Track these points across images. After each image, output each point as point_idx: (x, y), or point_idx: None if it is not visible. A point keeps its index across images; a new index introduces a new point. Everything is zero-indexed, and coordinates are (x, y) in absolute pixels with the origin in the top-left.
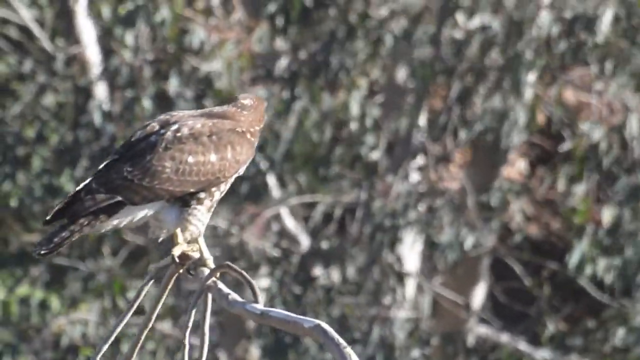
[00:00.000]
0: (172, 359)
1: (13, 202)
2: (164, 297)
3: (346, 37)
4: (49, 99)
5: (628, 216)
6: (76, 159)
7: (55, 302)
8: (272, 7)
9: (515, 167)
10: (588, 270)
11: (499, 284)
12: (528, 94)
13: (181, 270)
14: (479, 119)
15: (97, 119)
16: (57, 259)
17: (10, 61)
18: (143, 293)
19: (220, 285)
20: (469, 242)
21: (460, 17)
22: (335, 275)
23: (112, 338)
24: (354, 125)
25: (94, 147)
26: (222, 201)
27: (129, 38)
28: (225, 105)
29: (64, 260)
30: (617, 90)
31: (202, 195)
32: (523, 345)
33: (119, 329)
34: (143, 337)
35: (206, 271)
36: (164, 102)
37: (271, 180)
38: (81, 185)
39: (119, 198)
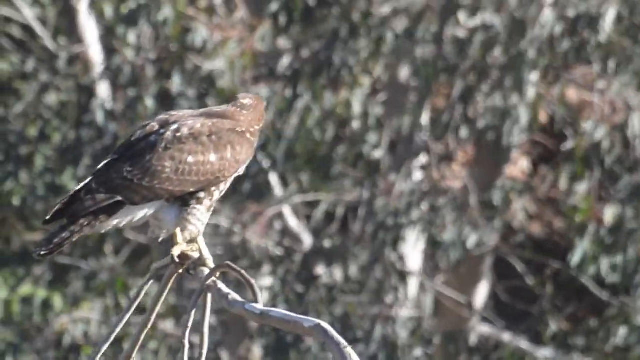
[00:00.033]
0: (174, 358)
1: (15, 201)
2: (164, 296)
3: (349, 36)
4: (51, 98)
5: (630, 215)
6: (79, 157)
7: (57, 301)
8: (274, 6)
9: (518, 166)
10: (590, 268)
11: (502, 283)
12: (530, 92)
13: (180, 270)
14: (481, 117)
15: (99, 117)
16: (60, 258)
17: (13, 60)
18: (143, 292)
19: (220, 285)
20: (471, 240)
21: (462, 15)
22: (337, 274)
23: (112, 338)
24: (356, 124)
25: (97, 146)
26: (224, 200)
27: (132, 37)
28: (225, 105)
29: (66, 259)
30: (620, 89)
31: (201, 194)
32: (525, 344)
33: (118, 329)
34: (142, 337)
35: (206, 271)
36: (166, 101)
37: (273, 178)
38: (81, 185)
39: (119, 198)
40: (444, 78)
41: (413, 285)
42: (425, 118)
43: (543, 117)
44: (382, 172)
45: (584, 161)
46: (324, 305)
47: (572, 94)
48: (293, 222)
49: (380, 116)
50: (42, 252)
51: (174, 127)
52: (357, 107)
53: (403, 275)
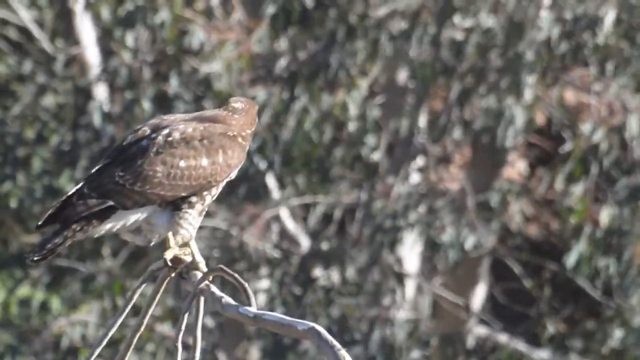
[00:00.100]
0: None
1: (13, 203)
2: (156, 300)
3: (346, 38)
4: (48, 100)
5: (627, 216)
6: (76, 160)
7: (55, 304)
8: (271, 9)
9: (515, 168)
10: (586, 270)
11: (499, 285)
12: (528, 94)
13: (173, 274)
14: (477, 118)
15: (96, 120)
16: (57, 260)
17: (10, 62)
18: (136, 295)
19: (214, 288)
20: (469, 242)
21: (458, 16)
22: (335, 276)
23: (106, 340)
24: (352, 126)
25: (94, 148)
26: (221, 202)
27: (129, 39)
28: (217, 109)
29: (64, 262)
30: (618, 91)
31: (193, 199)
32: (522, 346)
33: (112, 331)
34: (136, 340)
35: (199, 275)
36: (163, 104)
37: (271, 181)
38: (73, 190)
39: (111, 203)
40: (442, 80)
41: (410, 287)
42: (422, 120)
43: (540, 119)
44: (380, 175)
45: (582, 163)
46: (322, 308)
47: (570, 96)
48: (290, 224)
49: (378, 118)
50: (35, 258)
51: (166, 131)
52: (353, 110)
53: (400, 278)
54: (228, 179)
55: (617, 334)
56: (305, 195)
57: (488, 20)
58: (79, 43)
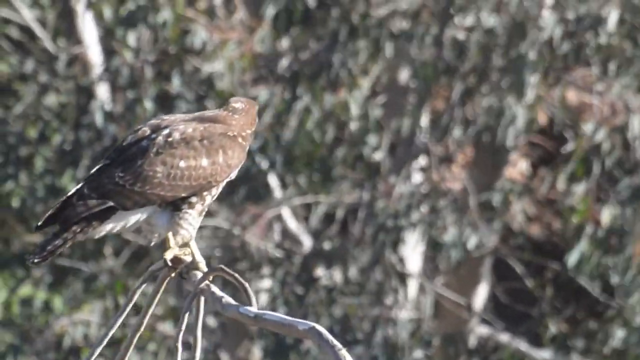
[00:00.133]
0: None
1: (15, 203)
2: (157, 300)
3: (348, 37)
4: (50, 99)
5: (629, 216)
6: (78, 159)
7: (57, 303)
8: (273, 9)
9: (517, 168)
10: (587, 269)
11: (501, 285)
12: (530, 94)
13: (173, 274)
14: (477, 118)
15: (98, 119)
16: (60, 260)
17: (12, 61)
18: (136, 295)
19: (214, 288)
20: (471, 242)
21: (459, 16)
22: (337, 275)
23: (106, 340)
24: (354, 126)
25: (96, 147)
26: (223, 202)
27: (131, 38)
28: (217, 109)
29: (66, 261)
30: (620, 91)
31: (193, 199)
32: (524, 346)
33: (113, 330)
34: (136, 339)
35: (199, 274)
36: (165, 103)
37: (273, 180)
38: (72, 191)
39: (111, 203)
40: (444, 80)
41: (413, 287)
42: (424, 120)
43: (542, 119)
44: (382, 174)
45: (584, 163)
46: (324, 307)
47: (572, 96)
48: (292, 224)
49: (380, 118)
50: (36, 260)
51: (166, 131)
52: (355, 109)
53: (403, 277)
54: (228, 179)
55: (619, 333)
56: (307, 194)
57: (490, 20)
58: (81, 42)
